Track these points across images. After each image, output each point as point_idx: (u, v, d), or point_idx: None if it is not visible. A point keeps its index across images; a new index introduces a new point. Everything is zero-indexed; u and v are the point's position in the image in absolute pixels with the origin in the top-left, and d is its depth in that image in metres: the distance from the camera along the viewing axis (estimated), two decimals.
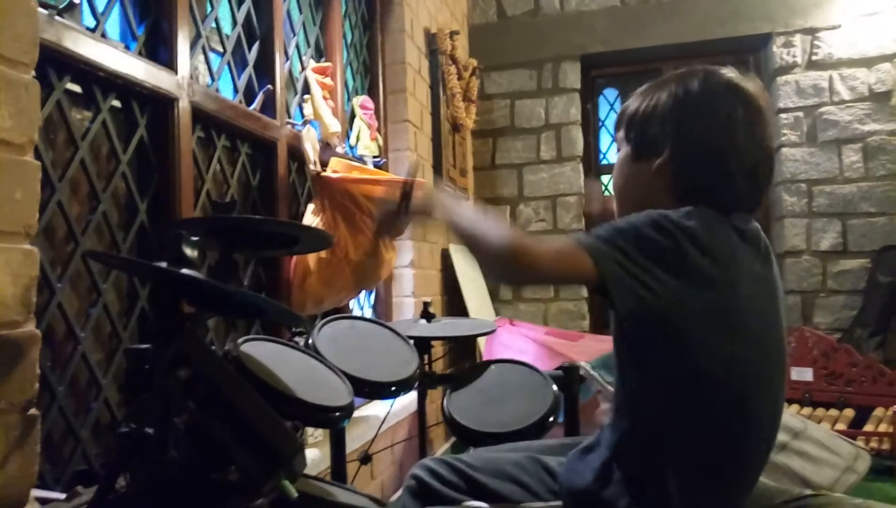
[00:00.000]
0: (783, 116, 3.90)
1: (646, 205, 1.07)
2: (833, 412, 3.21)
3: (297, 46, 2.36)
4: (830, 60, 3.84)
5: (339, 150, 2.37)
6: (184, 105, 1.63)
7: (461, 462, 1.22)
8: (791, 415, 2.30)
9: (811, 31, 3.88)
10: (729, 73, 1.08)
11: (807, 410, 3.25)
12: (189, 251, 0.88)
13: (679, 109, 1.06)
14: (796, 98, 3.89)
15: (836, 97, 3.83)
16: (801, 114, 3.88)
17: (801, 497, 1.07)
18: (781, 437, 2.02)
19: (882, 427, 2.98)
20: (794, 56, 3.91)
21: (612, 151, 4.45)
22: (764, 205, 4.02)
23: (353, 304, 2.65)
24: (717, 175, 1.04)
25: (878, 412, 3.13)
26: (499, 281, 1.29)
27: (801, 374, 3.34)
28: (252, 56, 2.06)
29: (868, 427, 3.01)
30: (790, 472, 1.99)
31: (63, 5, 1.30)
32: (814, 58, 3.87)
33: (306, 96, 2.26)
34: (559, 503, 1.11)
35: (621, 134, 1.16)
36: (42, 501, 1.02)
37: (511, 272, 1.05)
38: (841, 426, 3.00)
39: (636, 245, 0.94)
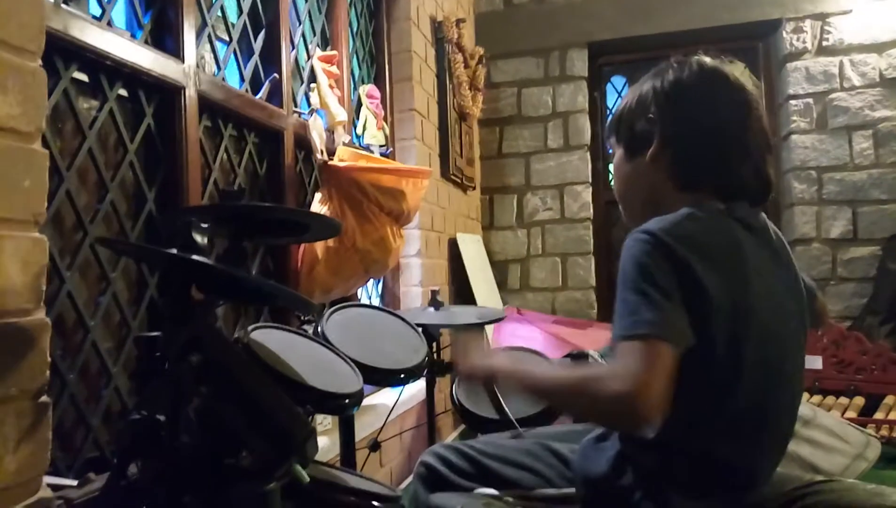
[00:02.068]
0: (793, 102, 3.87)
1: (652, 201, 1.08)
2: (843, 400, 3.19)
3: (303, 35, 2.35)
4: (841, 46, 3.80)
5: (345, 139, 2.36)
6: (190, 94, 1.62)
7: (471, 449, 1.21)
8: (801, 403, 2.29)
9: (821, 17, 3.84)
10: (707, 59, 1.09)
11: (816, 398, 3.24)
12: (199, 238, 0.88)
13: (662, 96, 1.07)
14: (806, 84, 3.85)
15: (847, 83, 3.79)
16: (811, 100, 3.85)
17: (813, 483, 1.06)
18: None
19: (892, 415, 2.96)
20: (804, 42, 3.86)
21: None
22: (773, 192, 4.01)
23: (360, 293, 2.65)
24: (712, 155, 1.04)
25: (889, 399, 3.12)
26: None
27: (811, 362, 3.31)
28: (258, 45, 2.05)
29: (878, 415, 3.00)
30: (799, 460, 1.99)
31: None
32: (824, 43, 3.83)
33: (312, 85, 2.26)
34: (573, 490, 1.11)
35: (613, 138, 1.18)
36: (54, 487, 1.03)
37: (630, 428, 0.94)
38: (851, 414, 2.99)
39: (656, 289, 0.89)
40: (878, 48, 3.74)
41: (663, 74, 1.09)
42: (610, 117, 1.21)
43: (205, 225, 0.91)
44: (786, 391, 1.01)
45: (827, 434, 2.11)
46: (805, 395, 3.26)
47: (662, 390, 0.85)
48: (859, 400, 3.16)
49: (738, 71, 1.08)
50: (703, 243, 0.93)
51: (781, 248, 1.07)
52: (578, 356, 1.44)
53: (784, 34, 3.89)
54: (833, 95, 3.81)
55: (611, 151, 1.22)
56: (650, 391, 0.84)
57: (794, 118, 3.86)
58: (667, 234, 0.92)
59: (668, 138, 1.06)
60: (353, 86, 2.69)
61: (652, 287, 0.89)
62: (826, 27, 3.83)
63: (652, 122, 1.07)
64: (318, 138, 2.10)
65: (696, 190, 1.04)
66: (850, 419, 2.69)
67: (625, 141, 1.13)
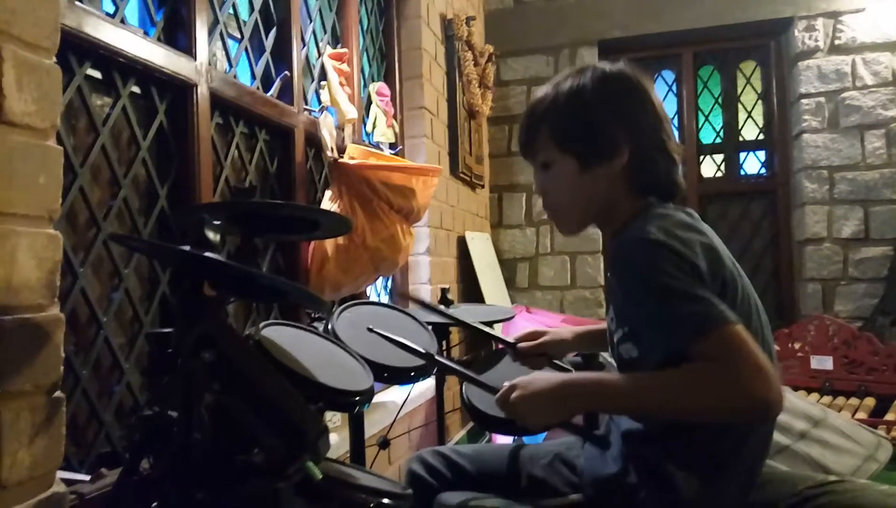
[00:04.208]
0: (804, 101, 3.84)
1: (604, 210, 1.11)
2: (854, 400, 3.17)
3: (314, 33, 2.35)
4: (853, 44, 3.77)
5: (355, 136, 2.37)
6: (202, 91, 1.63)
7: (458, 455, 1.24)
8: (811, 404, 2.28)
9: (834, 15, 3.81)
10: (614, 65, 1.13)
11: (827, 399, 3.22)
12: (211, 235, 0.88)
13: (620, 104, 1.09)
14: (818, 83, 3.82)
15: (859, 82, 3.77)
16: (822, 99, 3.82)
17: (826, 483, 1.06)
18: (801, 425, 2.01)
19: None
20: (816, 40, 3.84)
21: None
22: (784, 192, 3.99)
23: (369, 290, 2.65)
24: (663, 161, 1.09)
25: None
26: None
27: (822, 362, 3.30)
28: (269, 42, 2.06)
29: (889, 416, 2.98)
30: (810, 460, 1.97)
31: None
32: (836, 42, 3.81)
33: (323, 83, 2.26)
34: (579, 496, 1.11)
35: (552, 154, 1.14)
36: (68, 482, 1.03)
37: (756, 416, 0.95)
38: (862, 414, 2.97)
39: (694, 286, 0.92)
40: (891, 47, 3.71)
41: (600, 81, 1.10)
42: (526, 138, 1.21)
43: (217, 222, 0.91)
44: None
45: (838, 435, 2.09)
46: (815, 395, 3.24)
47: (760, 369, 0.85)
48: (870, 401, 3.14)
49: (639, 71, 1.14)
50: (685, 231, 0.98)
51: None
52: (589, 358, 1.43)
53: (796, 32, 3.86)
54: (845, 94, 3.79)
55: (534, 167, 1.20)
56: (774, 379, 0.85)
57: (806, 117, 3.83)
58: (665, 235, 0.95)
59: (638, 149, 1.08)
60: (363, 83, 2.69)
61: (689, 286, 0.91)
62: (838, 25, 3.80)
63: (621, 132, 1.07)
64: (328, 136, 2.11)
65: (645, 195, 1.09)
66: (861, 420, 2.67)
67: (582, 154, 1.10)
